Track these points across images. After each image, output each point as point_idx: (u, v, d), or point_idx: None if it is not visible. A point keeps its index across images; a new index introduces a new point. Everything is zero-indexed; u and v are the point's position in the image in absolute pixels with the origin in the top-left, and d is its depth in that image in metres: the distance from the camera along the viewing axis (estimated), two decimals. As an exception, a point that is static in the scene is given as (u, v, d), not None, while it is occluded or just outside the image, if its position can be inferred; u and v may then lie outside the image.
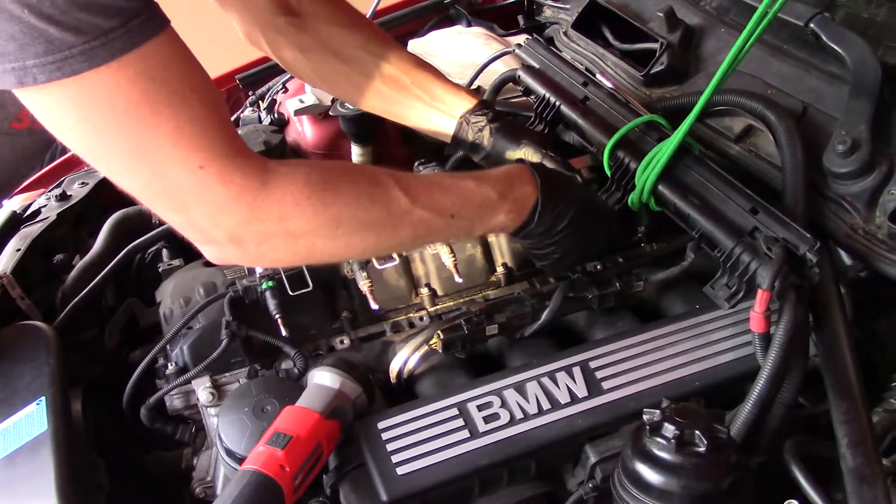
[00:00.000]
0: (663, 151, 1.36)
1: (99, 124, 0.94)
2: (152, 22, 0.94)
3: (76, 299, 1.53)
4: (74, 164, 1.90)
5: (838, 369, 1.16)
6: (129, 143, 0.96)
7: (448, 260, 1.42)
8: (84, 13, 0.88)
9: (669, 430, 0.99)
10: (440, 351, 1.33)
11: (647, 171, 1.37)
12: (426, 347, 1.34)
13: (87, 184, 1.79)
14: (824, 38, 1.42)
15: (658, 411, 1.03)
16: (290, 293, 1.36)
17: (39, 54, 0.88)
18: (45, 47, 0.87)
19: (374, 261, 1.40)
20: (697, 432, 0.99)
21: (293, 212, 1.05)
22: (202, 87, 1.00)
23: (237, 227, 1.04)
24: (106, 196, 1.79)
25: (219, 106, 1.03)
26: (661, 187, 1.36)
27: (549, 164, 1.42)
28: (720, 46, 1.61)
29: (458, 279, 1.43)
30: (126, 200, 1.74)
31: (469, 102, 1.46)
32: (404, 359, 1.33)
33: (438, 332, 1.33)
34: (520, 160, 1.36)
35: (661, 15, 1.66)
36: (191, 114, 0.97)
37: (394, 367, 1.34)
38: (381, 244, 1.18)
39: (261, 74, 2.03)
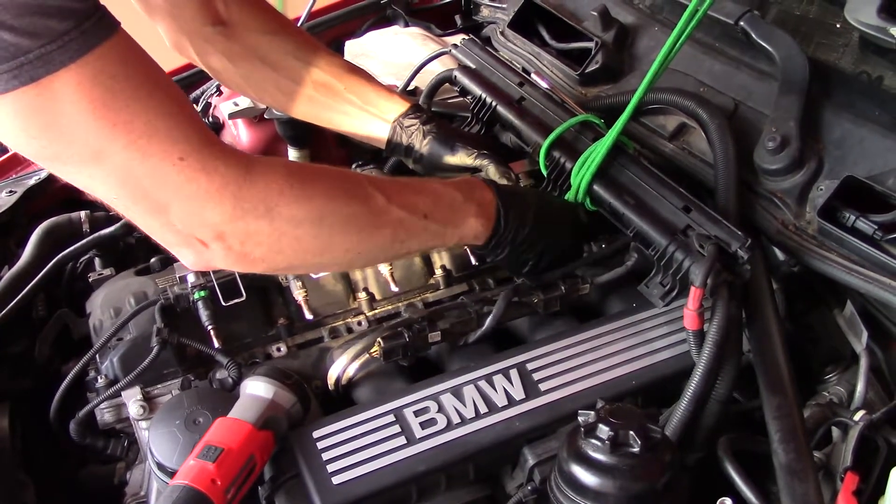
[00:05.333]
0: (598, 151, 1.36)
1: (64, 129, 0.91)
2: (104, 22, 0.91)
3: (4, 311, 1.49)
4: (0, 172, 1.84)
5: (770, 365, 1.17)
6: (99, 143, 0.92)
7: (384, 268, 1.40)
8: (37, 17, 0.85)
9: (604, 431, 0.99)
10: (381, 359, 1.31)
11: (582, 170, 1.37)
12: (366, 356, 1.31)
13: (15, 192, 1.73)
14: (754, 35, 1.44)
15: (593, 412, 1.03)
16: (223, 303, 1.33)
17: None
18: None
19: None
20: (631, 433, 0.99)
21: (278, 201, 1.03)
22: (165, 82, 0.98)
23: (222, 223, 1.00)
24: (34, 205, 1.74)
25: (185, 99, 1.02)
26: (596, 187, 1.37)
27: (482, 162, 1.41)
28: (653, 45, 1.63)
29: (393, 288, 1.41)
30: (56, 209, 1.73)
31: (402, 106, 1.45)
32: (343, 367, 1.31)
33: (379, 339, 1.30)
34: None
35: (596, 14, 1.67)
36: (161, 107, 0.95)
37: (332, 375, 1.32)
38: (363, 244, 1.15)
39: (194, 78, 1.99)
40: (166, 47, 1.43)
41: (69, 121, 0.90)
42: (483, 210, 1.27)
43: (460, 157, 1.42)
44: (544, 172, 1.45)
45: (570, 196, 1.39)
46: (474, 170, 1.43)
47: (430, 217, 1.20)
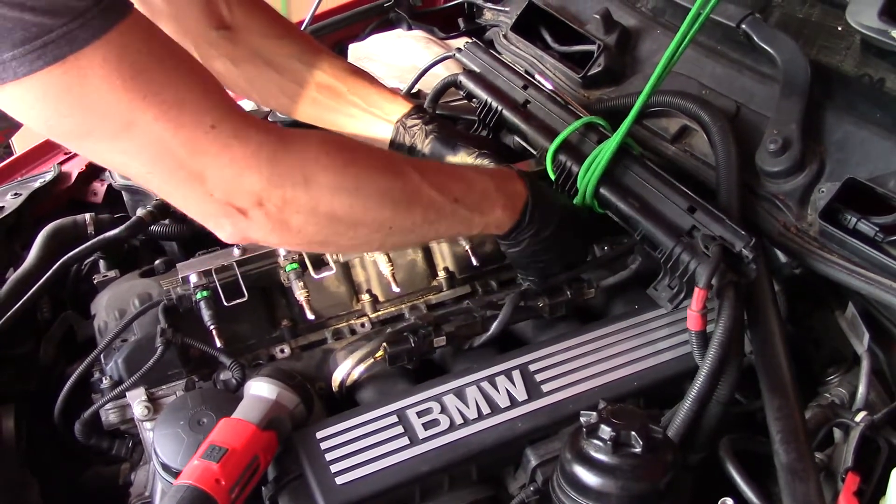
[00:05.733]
0: (603, 153, 1.36)
1: (94, 105, 0.91)
2: (120, 1, 0.92)
3: (9, 313, 1.49)
4: (5, 174, 1.85)
5: (772, 366, 1.17)
6: (130, 115, 0.92)
7: (386, 269, 1.41)
8: None
9: (606, 431, 1.00)
10: (386, 363, 1.31)
11: (589, 173, 1.37)
12: (371, 360, 1.31)
13: (20, 194, 1.74)
14: (755, 38, 1.44)
15: (595, 413, 1.03)
16: (225, 303, 1.34)
17: (17, 44, 0.85)
18: (22, 35, 0.85)
19: (311, 270, 1.39)
20: (633, 433, 0.99)
21: (314, 169, 1.04)
22: (188, 56, 1.00)
23: (260, 189, 1.00)
24: (40, 207, 1.75)
25: (209, 73, 1.02)
26: (602, 190, 1.37)
27: (483, 161, 1.42)
28: (656, 47, 1.63)
29: (395, 288, 1.41)
30: (61, 211, 1.74)
31: (405, 107, 1.45)
32: (347, 370, 1.31)
33: (384, 344, 1.30)
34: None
35: (598, 17, 1.67)
36: (187, 78, 0.96)
37: (336, 377, 1.32)
38: (395, 220, 1.15)
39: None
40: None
41: (98, 97, 0.90)
42: (511, 202, 1.27)
43: (461, 157, 1.43)
44: (552, 177, 1.45)
45: (577, 200, 1.39)
46: (476, 168, 1.43)
47: (460, 202, 1.21)
